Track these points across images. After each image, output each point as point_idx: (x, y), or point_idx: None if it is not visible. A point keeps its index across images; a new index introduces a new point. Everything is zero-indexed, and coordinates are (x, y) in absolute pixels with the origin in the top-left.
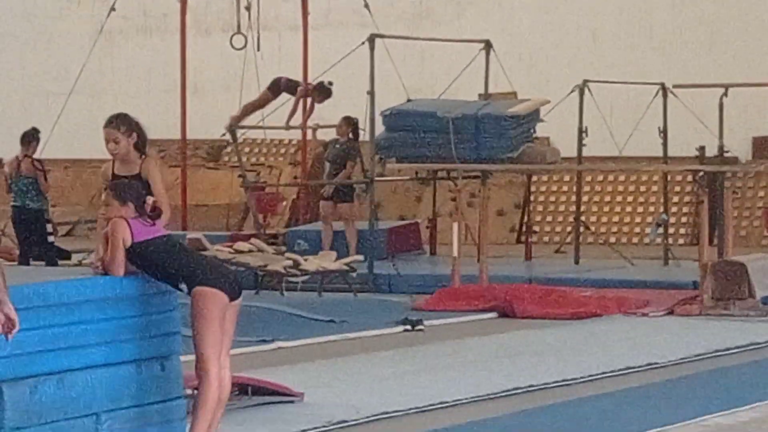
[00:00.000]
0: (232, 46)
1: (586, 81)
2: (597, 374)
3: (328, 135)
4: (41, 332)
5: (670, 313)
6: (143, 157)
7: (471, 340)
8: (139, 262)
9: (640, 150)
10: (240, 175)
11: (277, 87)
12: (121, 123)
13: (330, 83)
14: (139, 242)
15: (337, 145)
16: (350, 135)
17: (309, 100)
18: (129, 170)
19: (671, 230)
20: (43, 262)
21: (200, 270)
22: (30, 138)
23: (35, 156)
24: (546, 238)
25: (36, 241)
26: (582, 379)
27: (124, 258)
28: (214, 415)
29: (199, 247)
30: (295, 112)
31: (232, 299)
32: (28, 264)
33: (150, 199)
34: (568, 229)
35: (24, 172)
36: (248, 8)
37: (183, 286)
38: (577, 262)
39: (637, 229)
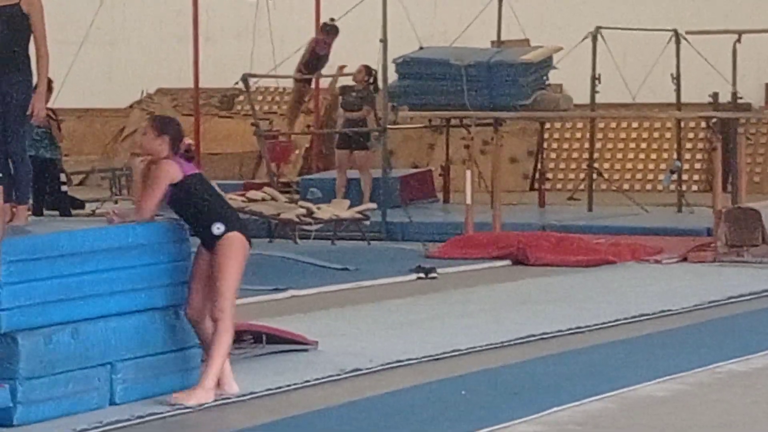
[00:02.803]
0: None
1: (598, 28)
2: (610, 321)
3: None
4: (55, 282)
5: (684, 260)
6: None
7: (484, 288)
8: (182, 198)
9: (653, 97)
10: (253, 124)
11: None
12: None
13: (332, 19)
14: (186, 177)
15: (353, 93)
16: (369, 83)
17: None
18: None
19: (684, 177)
20: (56, 212)
21: (234, 215)
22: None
23: (49, 105)
24: (559, 185)
25: (50, 191)
26: (595, 327)
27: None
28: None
29: None
30: (305, 61)
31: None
32: (41, 214)
33: (186, 140)
34: (581, 176)
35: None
36: None
37: (218, 226)
38: (590, 209)
39: (651, 176)
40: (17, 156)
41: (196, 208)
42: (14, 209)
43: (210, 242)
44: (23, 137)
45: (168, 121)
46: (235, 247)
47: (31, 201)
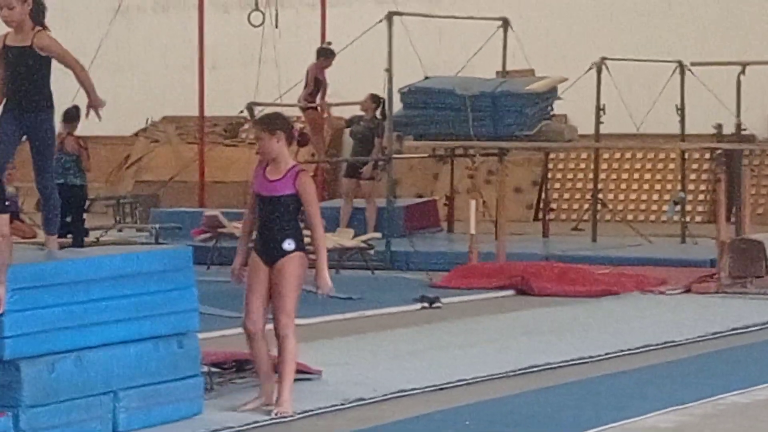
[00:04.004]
0: (250, 23)
1: (603, 58)
2: (614, 352)
3: (345, 113)
4: (59, 310)
5: (688, 291)
6: (36, 29)
7: (488, 318)
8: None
9: (658, 127)
10: (257, 152)
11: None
12: None
13: (329, 43)
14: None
15: (362, 122)
16: (376, 113)
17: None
18: (21, 41)
19: (688, 208)
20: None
21: (302, 236)
22: (73, 116)
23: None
24: (563, 216)
25: (73, 220)
26: (599, 357)
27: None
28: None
29: (216, 224)
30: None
31: None
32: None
33: (298, 126)
34: (586, 206)
35: (68, 149)
36: None
37: (289, 242)
38: (594, 240)
39: (655, 207)
40: (47, 190)
41: (290, 219)
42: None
43: (276, 257)
44: (51, 173)
45: (274, 118)
46: (300, 265)
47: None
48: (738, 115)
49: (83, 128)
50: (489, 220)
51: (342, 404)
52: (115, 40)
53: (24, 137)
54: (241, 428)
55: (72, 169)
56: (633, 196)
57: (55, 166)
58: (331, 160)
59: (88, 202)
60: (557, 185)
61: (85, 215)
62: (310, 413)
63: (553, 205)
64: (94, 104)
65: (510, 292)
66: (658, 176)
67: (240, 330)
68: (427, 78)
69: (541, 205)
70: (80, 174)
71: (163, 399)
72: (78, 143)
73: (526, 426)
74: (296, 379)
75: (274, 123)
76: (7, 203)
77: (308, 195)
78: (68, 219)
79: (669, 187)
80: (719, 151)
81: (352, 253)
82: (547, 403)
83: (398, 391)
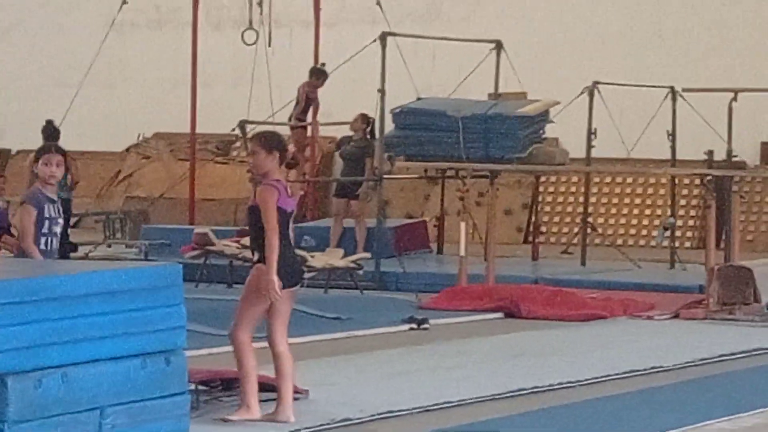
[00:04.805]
0: (244, 41)
1: (596, 83)
2: (602, 377)
3: (338, 132)
4: (47, 325)
5: (676, 316)
6: None
7: (476, 340)
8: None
9: (649, 153)
10: (249, 170)
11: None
12: None
13: (323, 64)
14: (279, 208)
15: (352, 142)
16: (366, 132)
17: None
18: None
19: (678, 233)
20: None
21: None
22: (50, 133)
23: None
24: (553, 239)
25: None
26: (586, 382)
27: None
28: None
29: (206, 241)
30: (303, 108)
31: None
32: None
33: (291, 148)
34: (576, 230)
35: None
36: (260, 3)
37: (255, 254)
38: (583, 264)
39: (644, 232)
40: None
41: (260, 231)
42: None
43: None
44: None
45: (273, 137)
46: (256, 278)
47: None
48: (729, 141)
49: (75, 143)
50: (479, 242)
51: (328, 424)
52: (108, 56)
53: None
54: None
55: (60, 182)
56: (623, 221)
57: None
58: (322, 180)
59: (77, 218)
60: (547, 208)
61: (70, 230)
62: None
63: (543, 228)
64: None
65: (499, 314)
66: (648, 201)
67: (228, 348)
68: (419, 99)
69: (531, 228)
70: (66, 188)
71: (150, 416)
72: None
73: None
74: None
75: (271, 141)
76: None
77: (261, 203)
78: None
79: (659, 212)
80: (709, 178)
81: (341, 273)
82: (534, 426)
83: (385, 412)
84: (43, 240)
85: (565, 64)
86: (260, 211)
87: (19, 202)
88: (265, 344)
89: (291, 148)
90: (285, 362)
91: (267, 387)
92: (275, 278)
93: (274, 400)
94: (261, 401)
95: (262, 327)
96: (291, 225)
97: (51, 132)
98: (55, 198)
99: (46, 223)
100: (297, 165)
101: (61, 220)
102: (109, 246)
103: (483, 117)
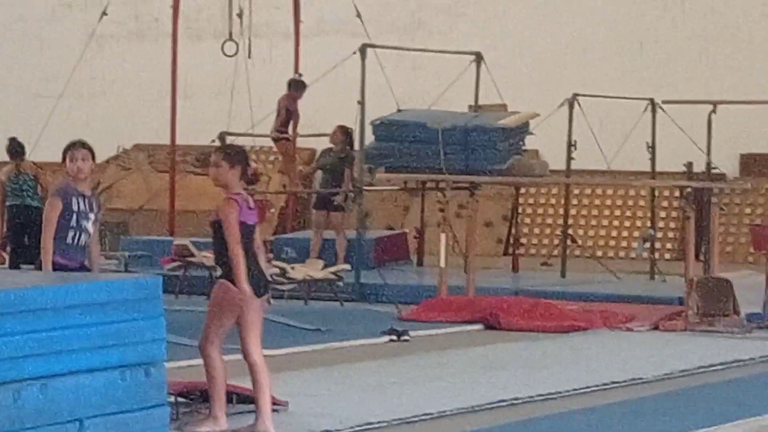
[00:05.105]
0: (224, 53)
1: (575, 95)
2: (581, 388)
3: (315, 144)
4: (26, 337)
5: (655, 328)
6: None
7: (456, 352)
8: (222, 237)
9: (629, 165)
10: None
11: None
12: None
13: (300, 74)
14: (243, 223)
15: (331, 154)
16: (346, 144)
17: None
18: None
19: (658, 245)
20: (32, 266)
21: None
22: (15, 150)
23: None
24: (533, 251)
25: (30, 243)
26: (566, 393)
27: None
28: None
29: (186, 253)
30: (283, 120)
31: None
32: (18, 267)
33: (254, 165)
34: (555, 242)
35: (26, 169)
36: (240, 15)
37: (218, 270)
38: (563, 275)
39: (624, 244)
40: None
41: (223, 246)
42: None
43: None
44: None
45: (237, 152)
46: (221, 294)
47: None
48: (708, 153)
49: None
50: (459, 254)
51: None
52: (88, 67)
53: None
54: None
55: (29, 190)
56: (602, 233)
57: (14, 187)
58: (301, 191)
59: None
60: (527, 220)
61: None
62: None
63: (523, 240)
64: None
65: (479, 326)
66: (628, 213)
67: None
68: (399, 111)
69: (511, 239)
70: (37, 196)
71: (129, 428)
72: (38, 165)
73: None
74: None
75: (236, 156)
76: None
77: (222, 216)
78: (26, 241)
79: (638, 224)
80: (689, 190)
81: (321, 285)
82: None
83: (365, 424)
84: (70, 234)
85: (545, 76)
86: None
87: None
88: (241, 356)
89: (253, 165)
90: (260, 373)
91: (245, 399)
92: (246, 286)
93: (253, 411)
94: (240, 413)
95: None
96: (257, 237)
97: (15, 148)
98: (87, 193)
99: (74, 216)
100: (258, 182)
101: (92, 215)
102: None
103: (463, 129)
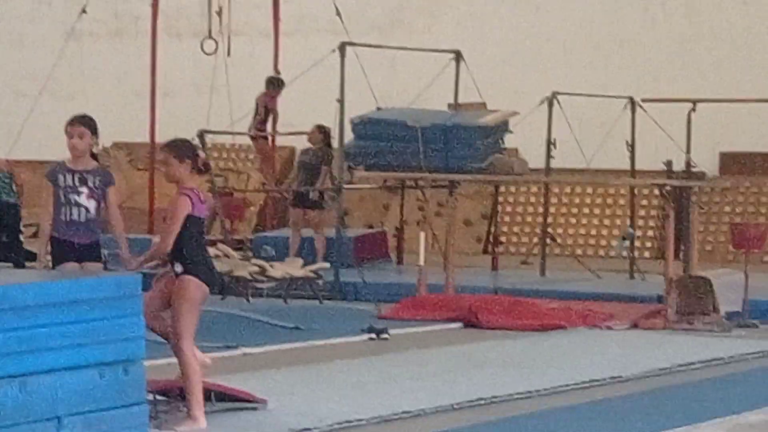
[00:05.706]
0: (203, 51)
1: (555, 93)
2: (561, 386)
3: (293, 142)
4: (4, 335)
5: (635, 326)
6: None
7: (436, 350)
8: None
9: (608, 163)
10: (207, 180)
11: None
12: None
13: (278, 72)
14: (189, 216)
15: (310, 152)
16: (324, 143)
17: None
18: None
19: (637, 244)
20: (9, 264)
21: (201, 263)
22: None
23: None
24: (512, 249)
25: (7, 241)
26: (546, 392)
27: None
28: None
29: None
30: (262, 119)
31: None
32: None
33: (203, 155)
34: (535, 240)
35: (0, 167)
36: (219, 13)
37: (178, 266)
38: (543, 274)
39: (604, 242)
40: None
41: (179, 241)
42: None
43: (176, 275)
44: None
45: (184, 145)
46: (186, 290)
47: None
48: (688, 152)
49: (34, 153)
50: (438, 252)
51: None
52: (67, 66)
53: None
54: None
55: (5, 187)
56: (582, 231)
57: None
58: (277, 189)
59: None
60: (507, 219)
61: (22, 237)
62: None
63: (503, 239)
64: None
65: (458, 324)
66: (608, 212)
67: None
68: (379, 109)
69: (491, 238)
70: (13, 193)
71: (108, 426)
72: (9, 162)
73: None
74: (241, 408)
75: (183, 149)
76: None
77: (171, 208)
78: (4, 239)
79: (618, 222)
80: (668, 188)
81: (300, 283)
82: None
83: (344, 422)
84: (63, 210)
85: (525, 74)
86: (185, 222)
87: None
88: (223, 353)
89: (202, 154)
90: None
91: (224, 396)
92: (141, 259)
93: (232, 410)
94: (218, 412)
95: (220, 334)
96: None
97: None
98: (79, 168)
99: (61, 192)
100: (208, 172)
101: (83, 189)
102: None
103: (442, 127)
